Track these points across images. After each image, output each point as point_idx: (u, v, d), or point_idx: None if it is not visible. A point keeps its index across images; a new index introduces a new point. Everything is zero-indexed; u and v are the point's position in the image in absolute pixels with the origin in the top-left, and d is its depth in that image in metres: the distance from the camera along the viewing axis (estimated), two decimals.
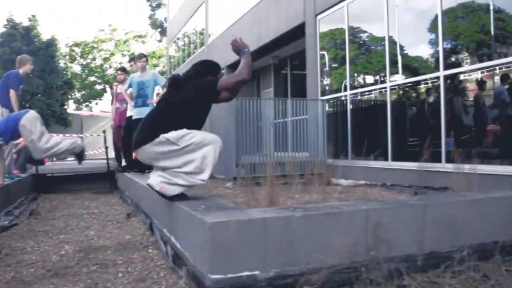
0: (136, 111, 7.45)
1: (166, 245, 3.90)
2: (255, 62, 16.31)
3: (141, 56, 7.64)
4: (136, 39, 45.69)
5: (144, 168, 7.34)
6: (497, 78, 7.19)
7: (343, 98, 10.08)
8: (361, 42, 9.93)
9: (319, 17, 10.86)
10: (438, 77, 7.60)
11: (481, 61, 7.18)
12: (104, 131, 9.83)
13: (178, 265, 3.31)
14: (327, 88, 10.91)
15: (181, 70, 25.68)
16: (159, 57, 44.64)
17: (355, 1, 9.74)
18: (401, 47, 8.60)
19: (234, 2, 17.42)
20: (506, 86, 6.73)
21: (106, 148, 9.63)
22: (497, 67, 6.86)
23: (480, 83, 7.71)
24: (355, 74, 10.06)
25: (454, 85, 7.86)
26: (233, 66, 16.87)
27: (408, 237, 2.94)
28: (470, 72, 7.56)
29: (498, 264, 3.06)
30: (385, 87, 8.84)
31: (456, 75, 7.58)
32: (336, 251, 2.68)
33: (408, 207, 2.98)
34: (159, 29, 45.59)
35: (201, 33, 21.92)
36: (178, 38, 27.69)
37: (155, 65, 44.23)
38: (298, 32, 12.11)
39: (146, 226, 5.10)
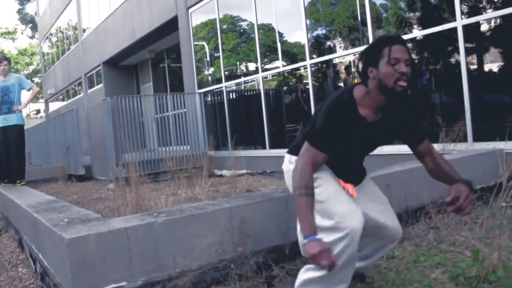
0: (1, 118, 6.95)
1: (35, 263, 3.71)
2: (132, 57, 15.99)
3: (2, 59, 7.10)
4: (5, 36, 42.77)
5: (15, 178, 6.91)
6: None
7: (220, 89, 10.15)
8: (241, 30, 10.03)
9: (191, 10, 10.85)
10: (306, 66, 7.92)
11: (353, 46, 7.58)
12: None
13: (47, 283, 3.17)
14: (209, 79, 10.92)
15: (57, 68, 24.42)
16: (32, 55, 42.09)
17: None
18: (280, 34, 8.82)
19: None
20: None
21: None
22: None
23: (346, 68, 8.16)
24: (238, 63, 10.16)
25: (322, 71, 8.24)
26: (108, 62, 16.35)
27: (274, 229, 3.04)
28: (337, 58, 7.96)
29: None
30: (257, 77, 9.04)
31: (324, 62, 7.94)
32: (203, 251, 2.71)
33: (271, 200, 3.08)
34: (30, 25, 42.93)
35: (75, 28, 20.94)
36: (51, 34, 26.25)
37: (28, 64, 41.71)
38: (171, 25, 12.02)
39: (16, 243, 4.83)
